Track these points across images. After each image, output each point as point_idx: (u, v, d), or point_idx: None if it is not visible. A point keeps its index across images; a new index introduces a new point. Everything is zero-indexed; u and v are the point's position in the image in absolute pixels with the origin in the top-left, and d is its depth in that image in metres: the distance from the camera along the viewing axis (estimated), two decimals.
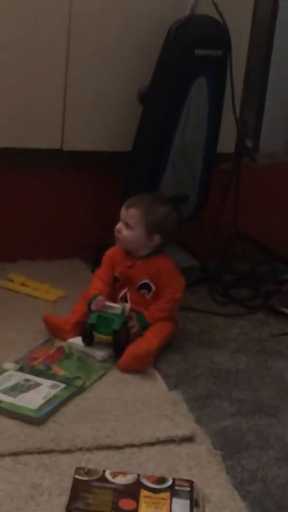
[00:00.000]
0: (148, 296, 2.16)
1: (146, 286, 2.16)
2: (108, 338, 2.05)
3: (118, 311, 2.06)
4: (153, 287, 2.16)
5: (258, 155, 2.85)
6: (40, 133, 2.48)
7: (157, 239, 2.15)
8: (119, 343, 2.04)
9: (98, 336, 2.06)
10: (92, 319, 2.05)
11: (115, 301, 2.14)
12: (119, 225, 2.15)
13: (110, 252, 2.22)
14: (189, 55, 2.33)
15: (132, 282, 2.17)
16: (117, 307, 2.07)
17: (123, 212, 2.16)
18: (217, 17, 2.36)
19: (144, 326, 2.10)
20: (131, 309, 2.10)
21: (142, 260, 2.16)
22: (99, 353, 2.03)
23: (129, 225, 2.14)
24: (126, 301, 2.14)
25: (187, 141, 2.45)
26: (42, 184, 2.59)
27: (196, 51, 2.33)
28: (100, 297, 2.09)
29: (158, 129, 2.45)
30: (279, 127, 2.87)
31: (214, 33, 2.37)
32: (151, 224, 2.13)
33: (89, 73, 2.47)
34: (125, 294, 2.17)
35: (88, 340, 2.06)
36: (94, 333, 2.06)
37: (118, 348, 2.03)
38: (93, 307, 2.08)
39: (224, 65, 2.41)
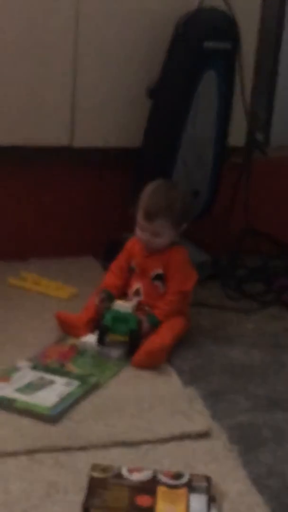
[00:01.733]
0: (161, 290, 2.15)
1: (160, 277, 2.15)
2: (124, 337, 2.04)
3: (129, 310, 2.04)
4: (165, 278, 2.15)
5: (269, 148, 2.84)
6: (49, 131, 2.48)
7: (184, 225, 2.15)
8: (135, 342, 2.03)
9: (112, 337, 2.05)
10: (107, 321, 2.04)
11: (127, 294, 2.13)
12: (146, 236, 2.12)
13: (129, 243, 2.22)
14: (197, 48, 2.32)
15: (146, 272, 2.16)
16: (126, 306, 2.05)
17: (146, 225, 2.11)
18: (225, 9, 2.35)
19: (155, 325, 2.09)
20: (143, 304, 2.09)
21: (159, 250, 2.15)
22: (114, 352, 2.02)
23: (159, 233, 2.12)
24: (139, 294, 2.13)
25: (197, 135, 2.44)
26: (52, 181, 2.59)
27: (205, 44, 2.32)
28: (99, 305, 2.09)
29: (167, 123, 2.44)
30: None
31: (223, 25, 2.35)
32: (177, 220, 2.12)
33: (98, 69, 2.46)
34: (138, 288, 2.15)
35: (103, 341, 2.05)
36: (109, 333, 2.05)
37: (133, 346, 2.02)
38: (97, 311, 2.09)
39: (233, 57, 2.40)
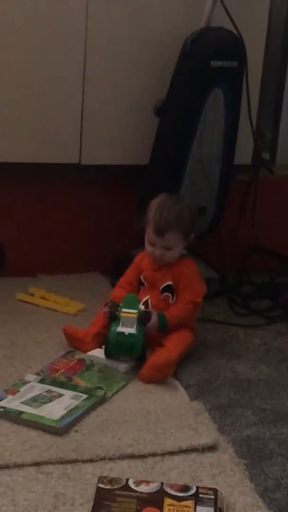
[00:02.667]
0: (171, 301, 2.16)
1: (169, 289, 2.16)
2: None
3: (133, 330, 2.04)
4: (175, 290, 2.16)
5: (275, 166, 2.86)
6: (58, 148, 2.50)
7: (192, 236, 2.17)
8: (142, 354, 2.05)
9: None
10: (111, 349, 2.04)
11: None
12: (159, 251, 2.14)
13: (139, 257, 2.24)
14: (204, 67, 2.35)
15: (156, 285, 2.17)
16: (133, 312, 2.05)
17: (158, 240, 2.12)
18: (232, 29, 2.38)
19: (163, 324, 2.09)
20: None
21: (169, 263, 2.17)
22: (122, 366, 2.03)
23: (170, 247, 2.14)
24: (147, 307, 2.14)
25: (204, 153, 2.46)
26: (61, 199, 2.61)
27: (212, 62, 2.34)
28: (106, 310, 2.09)
29: (175, 141, 2.46)
30: None
31: (229, 44, 2.38)
32: (187, 231, 2.15)
33: (106, 87, 2.49)
34: (147, 300, 2.16)
35: (110, 355, 2.06)
36: None
37: (140, 359, 2.04)
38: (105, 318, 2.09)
39: (240, 76, 2.43)
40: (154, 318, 2.08)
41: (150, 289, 2.18)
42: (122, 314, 2.05)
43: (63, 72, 2.44)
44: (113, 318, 2.07)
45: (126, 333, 2.03)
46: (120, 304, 2.08)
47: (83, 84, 2.47)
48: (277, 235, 2.82)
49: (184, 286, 2.15)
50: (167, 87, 2.44)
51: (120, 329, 2.04)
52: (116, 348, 2.05)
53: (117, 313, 2.06)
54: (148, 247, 2.16)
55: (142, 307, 2.09)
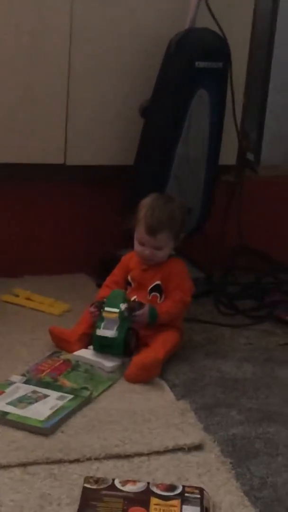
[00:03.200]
0: (159, 301, 2.16)
1: (158, 289, 2.16)
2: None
3: (114, 334, 2.05)
4: (163, 290, 2.16)
5: (260, 167, 2.87)
6: (43, 148, 2.50)
7: (182, 236, 2.18)
8: (127, 351, 2.06)
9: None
10: (96, 349, 2.07)
11: None
12: (149, 251, 2.14)
13: (126, 257, 2.24)
14: (189, 68, 2.36)
15: (144, 286, 2.17)
16: (114, 311, 2.06)
17: (149, 239, 2.13)
18: (216, 30, 2.39)
19: (153, 316, 2.09)
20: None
21: (157, 263, 2.17)
22: (108, 364, 2.03)
23: (161, 247, 2.14)
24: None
25: (190, 153, 2.46)
26: (46, 199, 2.61)
27: (197, 63, 2.35)
28: (92, 310, 2.09)
29: (160, 142, 2.47)
30: (280, 139, 2.88)
31: (214, 45, 2.39)
32: (177, 231, 2.15)
33: (91, 87, 2.49)
34: (134, 299, 2.15)
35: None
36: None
37: (127, 353, 2.05)
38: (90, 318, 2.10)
39: (225, 77, 2.44)
40: (145, 308, 2.08)
41: (138, 289, 2.18)
42: (104, 314, 2.06)
43: (48, 72, 2.44)
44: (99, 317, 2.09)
45: (105, 336, 2.05)
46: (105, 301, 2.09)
47: (68, 85, 2.47)
48: (263, 235, 2.83)
49: (174, 285, 2.15)
50: (152, 88, 2.44)
51: (99, 332, 2.05)
52: (100, 349, 2.07)
53: (101, 310, 2.07)
54: (137, 246, 2.16)
55: (123, 306, 2.09)
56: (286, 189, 2.90)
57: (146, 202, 2.17)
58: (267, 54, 2.76)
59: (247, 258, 2.76)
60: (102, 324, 2.06)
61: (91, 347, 2.10)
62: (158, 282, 2.16)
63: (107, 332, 2.05)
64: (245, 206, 2.70)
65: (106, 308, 2.07)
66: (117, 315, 2.05)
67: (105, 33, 2.45)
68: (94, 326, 2.09)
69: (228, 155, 2.63)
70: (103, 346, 2.06)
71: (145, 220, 2.13)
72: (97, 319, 2.08)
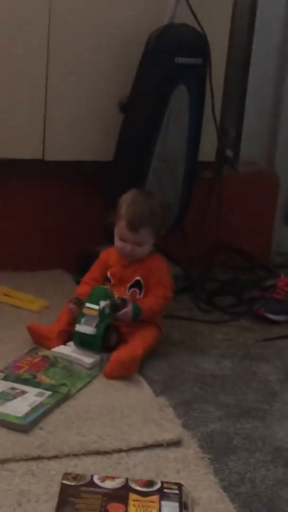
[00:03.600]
0: (138, 296, 2.16)
1: (137, 284, 2.16)
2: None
3: (93, 331, 2.05)
4: (143, 286, 2.16)
5: (239, 163, 2.88)
6: (21, 144, 2.48)
7: (162, 231, 2.18)
8: (106, 347, 2.06)
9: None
10: (76, 344, 2.07)
11: None
12: (130, 247, 2.13)
13: (104, 254, 2.23)
14: (168, 64, 2.35)
15: (123, 282, 2.17)
16: (94, 308, 2.06)
17: (131, 235, 2.12)
18: (195, 26, 2.39)
19: (136, 314, 2.09)
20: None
21: (137, 259, 2.17)
22: (87, 361, 2.03)
23: (142, 242, 2.14)
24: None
25: (169, 149, 2.46)
26: (24, 194, 2.59)
27: (176, 59, 2.35)
28: (72, 306, 2.09)
29: (139, 138, 2.46)
30: (259, 136, 2.90)
31: (193, 41, 2.39)
32: (158, 227, 2.15)
33: (69, 82, 2.48)
34: (124, 301, 2.14)
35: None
36: None
37: (107, 349, 2.06)
38: (69, 315, 2.10)
39: (204, 73, 2.44)
40: (128, 307, 2.08)
41: (117, 285, 2.17)
42: (84, 310, 2.06)
43: (26, 66, 2.42)
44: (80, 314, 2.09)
45: (84, 333, 2.05)
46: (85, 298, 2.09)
47: (47, 79, 2.45)
48: (241, 232, 2.83)
49: (155, 281, 2.15)
50: (131, 83, 2.44)
51: (78, 328, 2.05)
52: (80, 344, 2.07)
53: (82, 308, 2.07)
54: (118, 242, 2.16)
55: (103, 303, 2.08)
56: (265, 186, 2.92)
57: (126, 198, 2.16)
58: (246, 51, 2.77)
59: (226, 254, 2.76)
60: (83, 320, 2.06)
61: (70, 343, 2.10)
62: (138, 278, 2.16)
63: (86, 328, 2.05)
64: (224, 202, 2.71)
65: (87, 304, 2.06)
66: (97, 312, 2.05)
67: (84, 29, 2.44)
68: (74, 322, 2.08)
69: (207, 151, 2.63)
70: (83, 342, 2.06)
71: (126, 216, 2.12)
72: (78, 316, 2.07)
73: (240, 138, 2.88)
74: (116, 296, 2.11)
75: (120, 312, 2.08)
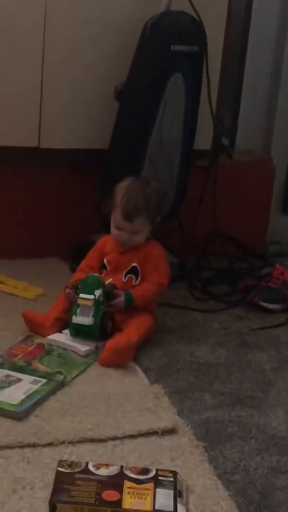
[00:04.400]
0: (135, 283, 2.16)
1: (134, 271, 2.16)
2: None
3: (90, 309, 2.04)
4: (140, 272, 2.16)
5: (235, 152, 2.87)
6: (17, 131, 2.47)
7: (158, 219, 2.18)
8: (104, 335, 2.07)
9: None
10: (72, 334, 2.07)
11: None
12: (126, 236, 2.13)
13: (100, 241, 2.23)
14: (165, 51, 2.34)
15: (120, 269, 2.17)
16: (89, 298, 2.05)
17: (126, 224, 2.12)
18: (192, 13, 2.37)
19: (129, 302, 2.09)
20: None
21: (134, 247, 2.17)
22: (82, 348, 2.03)
23: (138, 231, 2.14)
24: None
25: (164, 137, 2.45)
26: (19, 182, 2.59)
27: (172, 47, 2.34)
28: (68, 291, 2.09)
29: (135, 126, 2.45)
30: (255, 124, 2.89)
31: (190, 29, 2.38)
32: (154, 215, 2.15)
33: (65, 70, 2.47)
34: (114, 287, 2.14)
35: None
36: None
37: (104, 336, 2.06)
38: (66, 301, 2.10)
39: (200, 61, 2.43)
40: (121, 296, 2.09)
41: (114, 272, 2.18)
42: (79, 301, 2.05)
43: (22, 54, 2.41)
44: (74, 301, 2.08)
45: (82, 324, 2.04)
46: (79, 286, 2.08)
47: (42, 67, 2.44)
48: (237, 220, 2.83)
49: (152, 268, 2.15)
50: (127, 71, 2.43)
51: (75, 319, 2.05)
52: (76, 334, 2.07)
53: (76, 297, 2.06)
54: (114, 231, 2.16)
55: (98, 292, 2.08)
56: (261, 175, 2.91)
57: (122, 186, 2.16)
58: (243, 39, 2.76)
59: (221, 243, 2.76)
60: (78, 311, 2.05)
61: (65, 331, 2.10)
62: (134, 264, 2.16)
63: (83, 319, 2.04)
64: (220, 191, 2.70)
65: (81, 295, 2.05)
66: (92, 302, 2.05)
67: (79, 16, 2.42)
68: (69, 311, 2.08)
69: (203, 139, 2.62)
70: (80, 332, 2.06)
71: (121, 205, 2.12)
72: (72, 305, 2.07)
73: (236, 127, 2.88)
74: (107, 282, 2.12)
75: (114, 302, 2.08)
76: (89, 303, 2.05)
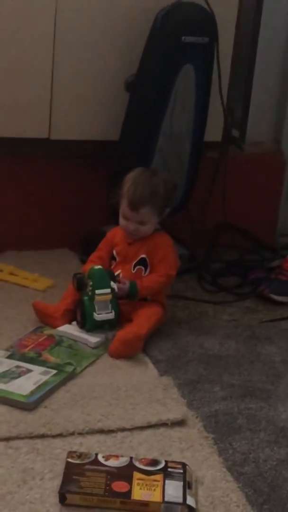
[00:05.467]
0: (144, 274, 2.17)
1: (143, 262, 2.16)
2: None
3: (110, 298, 2.05)
4: (148, 263, 2.16)
5: (245, 143, 2.86)
6: (27, 123, 2.47)
7: (167, 210, 2.17)
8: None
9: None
10: (90, 329, 2.07)
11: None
12: (133, 226, 2.14)
13: (111, 232, 2.24)
14: (175, 42, 2.34)
15: (128, 260, 2.17)
16: (107, 293, 2.05)
17: (132, 214, 2.12)
18: (203, 4, 2.36)
19: (133, 292, 2.10)
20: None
21: (142, 238, 2.17)
22: (92, 340, 2.03)
23: (144, 221, 2.14)
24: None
25: (175, 129, 2.45)
26: (30, 174, 2.59)
27: (183, 38, 2.33)
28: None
29: (145, 117, 2.45)
30: (266, 116, 2.88)
31: (201, 20, 2.37)
32: (161, 206, 2.15)
33: (76, 61, 2.46)
34: (119, 274, 2.16)
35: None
36: None
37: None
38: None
39: (211, 52, 2.42)
40: (125, 285, 2.09)
41: (123, 263, 2.18)
42: (97, 298, 2.05)
43: (33, 46, 2.40)
44: (81, 287, 2.08)
45: (105, 319, 2.05)
46: (86, 277, 2.08)
47: (53, 59, 2.44)
48: (247, 212, 2.83)
49: (159, 259, 2.15)
50: (138, 63, 2.42)
51: (98, 316, 2.05)
52: (95, 329, 2.07)
53: (88, 293, 2.06)
54: (122, 221, 2.16)
55: (114, 285, 2.09)
56: (271, 167, 2.90)
57: (130, 177, 2.16)
58: (254, 29, 2.75)
59: (231, 235, 2.76)
60: (96, 308, 2.05)
61: (74, 322, 2.10)
62: (143, 255, 2.16)
63: (106, 315, 2.05)
64: (230, 182, 2.70)
65: (97, 291, 2.05)
66: (110, 296, 2.06)
67: (91, 7, 2.42)
68: (80, 308, 2.07)
69: (213, 131, 2.61)
70: (100, 327, 2.07)
71: (128, 195, 2.12)
72: (81, 303, 2.07)
73: (247, 118, 2.87)
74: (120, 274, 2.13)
75: (118, 285, 2.08)
76: (108, 297, 2.06)
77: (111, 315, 2.05)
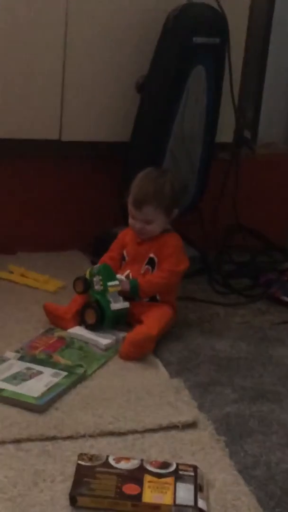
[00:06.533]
0: (151, 273, 2.16)
1: (151, 262, 2.17)
2: None
3: (119, 288, 2.09)
4: (156, 263, 2.16)
5: (257, 145, 2.85)
6: (38, 124, 2.48)
7: (175, 211, 2.16)
8: None
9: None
10: (109, 325, 2.08)
11: None
12: (139, 225, 2.14)
13: (122, 233, 2.25)
14: (187, 43, 2.33)
15: (138, 260, 2.17)
16: (117, 284, 2.09)
17: (136, 212, 2.13)
18: (214, 5, 2.36)
19: (134, 287, 2.11)
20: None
21: (151, 237, 2.17)
22: (103, 341, 2.03)
23: (150, 220, 2.13)
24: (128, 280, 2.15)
25: (186, 130, 2.44)
26: (41, 175, 2.59)
27: (194, 39, 2.33)
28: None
29: (156, 118, 2.44)
30: (277, 117, 2.87)
31: (212, 21, 2.37)
32: (168, 206, 2.14)
33: (87, 63, 2.46)
34: (128, 274, 2.17)
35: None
36: None
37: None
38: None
39: (223, 53, 2.42)
40: (125, 285, 2.11)
41: (132, 263, 2.18)
42: (110, 289, 2.07)
43: (44, 47, 2.41)
44: (87, 287, 2.11)
45: (123, 308, 2.08)
46: (96, 274, 2.10)
47: (64, 60, 2.44)
48: (258, 214, 2.82)
49: (164, 257, 2.15)
50: (149, 64, 2.42)
51: (115, 305, 2.07)
52: (113, 325, 2.08)
53: (95, 284, 2.10)
54: (130, 220, 2.17)
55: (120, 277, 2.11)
56: (282, 168, 2.89)
57: (138, 176, 2.18)
58: (265, 31, 2.74)
59: (242, 236, 2.75)
60: (112, 300, 2.07)
61: None
62: (152, 255, 2.16)
63: (121, 304, 2.08)
64: (241, 184, 2.69)
65: (109, 283, 2.08)
66: (120, 286, 2.09)
67: (102, 8, 2.42)
68: (94, 303, 2.09)
69: (225, 132, 2.61)
70: (118, 321, 2.09)
71: (133, 192, 2.14)
72: (99, 298, 2.08)
73: (259, 119, 2.86)
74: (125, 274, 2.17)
75: (121, 276, 2.12)
76: (119, 288, 2.08)
77: (126, 304, 2.07)
